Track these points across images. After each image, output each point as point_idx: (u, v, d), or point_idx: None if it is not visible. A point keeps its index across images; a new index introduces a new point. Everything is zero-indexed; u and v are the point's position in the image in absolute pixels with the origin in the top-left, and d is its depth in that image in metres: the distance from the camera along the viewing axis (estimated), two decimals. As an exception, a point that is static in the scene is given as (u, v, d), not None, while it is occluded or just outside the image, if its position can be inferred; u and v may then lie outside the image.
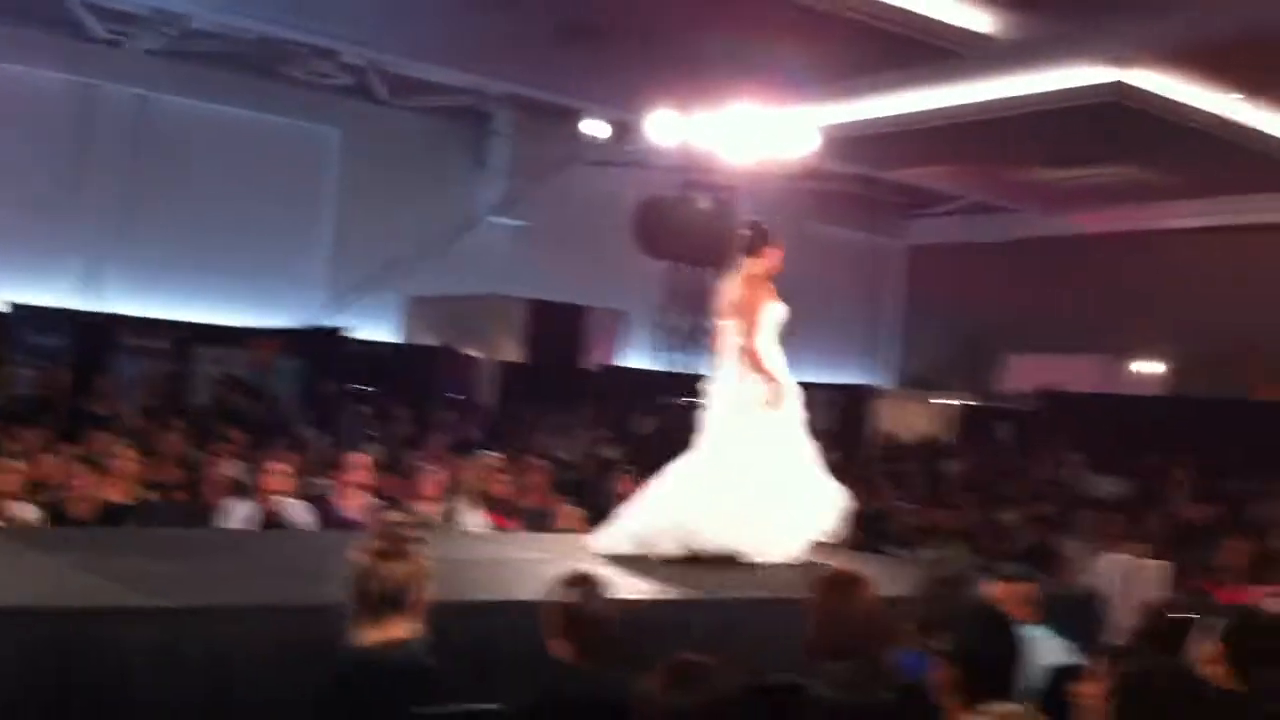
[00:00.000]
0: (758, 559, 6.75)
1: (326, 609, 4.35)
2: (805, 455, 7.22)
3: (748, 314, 7.09)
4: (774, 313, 7.17)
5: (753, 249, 7.16)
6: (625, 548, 6.81)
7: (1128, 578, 6.87)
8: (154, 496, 8.71)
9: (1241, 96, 14.75)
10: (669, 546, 6.73)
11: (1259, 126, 15.55)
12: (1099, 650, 5.28)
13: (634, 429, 16.76)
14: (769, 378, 7.02)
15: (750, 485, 6.93)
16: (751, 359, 7.04)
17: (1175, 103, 14.84)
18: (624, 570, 6.19)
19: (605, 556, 6.63)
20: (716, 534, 6.80)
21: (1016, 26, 13.02)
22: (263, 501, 7.72)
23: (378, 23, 14.52)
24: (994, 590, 5.35)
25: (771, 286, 7.19)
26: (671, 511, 6.91)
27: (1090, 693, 3.59)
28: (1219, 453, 15.59)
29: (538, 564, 6.41)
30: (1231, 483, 14.69)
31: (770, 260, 7.16)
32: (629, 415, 16.99)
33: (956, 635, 4.04)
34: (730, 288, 7.17)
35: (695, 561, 6.66)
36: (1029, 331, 21.85)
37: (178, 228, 17.37)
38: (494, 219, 19.07)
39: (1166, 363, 20.49)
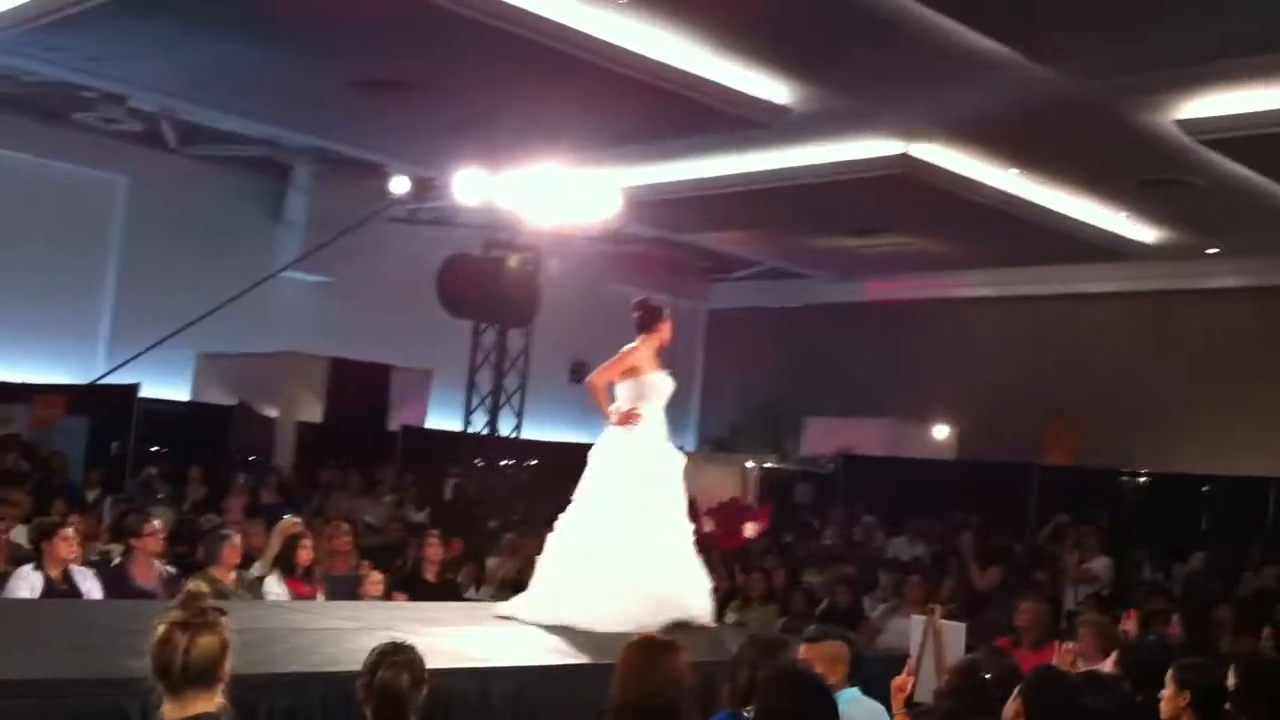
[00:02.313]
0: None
1: (120, 683, 4.17)
2: (683, 529, 7.60)
3: (637, 381, 7.62)
4: (663, 384, 7.70)
5: (646, 325, 7.75)
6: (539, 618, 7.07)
7: (926, 638, 7.00)
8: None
9: (1019, 172, 15.46)
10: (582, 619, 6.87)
11: (1036, 200, 16.29)
12: (910, 712, 5.41)
13: (440, 492, 16.56)
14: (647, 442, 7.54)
15: (632, 555, 7.22)
16: (629, 421, 7.53)
17: (958, 176, 15.45)
18: (445, 638, 6.09)
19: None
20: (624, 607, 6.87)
21: (812, 99, 13.42)
22: (49, 569, 7.35)
23: (169, 69, 14.13)
24: (802, 651, 5.40)
25: (659, 359, 7.78)
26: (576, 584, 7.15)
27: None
28: (1006, 515, 16.15)
29: (346, 633, 6.27)
30: (1018, 545, 15.24)
31: (663, 334, 7.78)
32: (435, 477, 16.76)
33: (767, 699, 4.07)
34: (627, 358, 7.62)
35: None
36: (824, 395, 22.35)
37: (-47, 278, 16.56)
38: (292, 274, 18.66)
39: (954, 427, 21.17)
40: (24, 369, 16.82)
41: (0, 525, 8.16)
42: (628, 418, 7.55)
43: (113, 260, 18.50)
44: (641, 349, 7.67)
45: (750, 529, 10.76)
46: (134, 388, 15.73)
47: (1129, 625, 7.57)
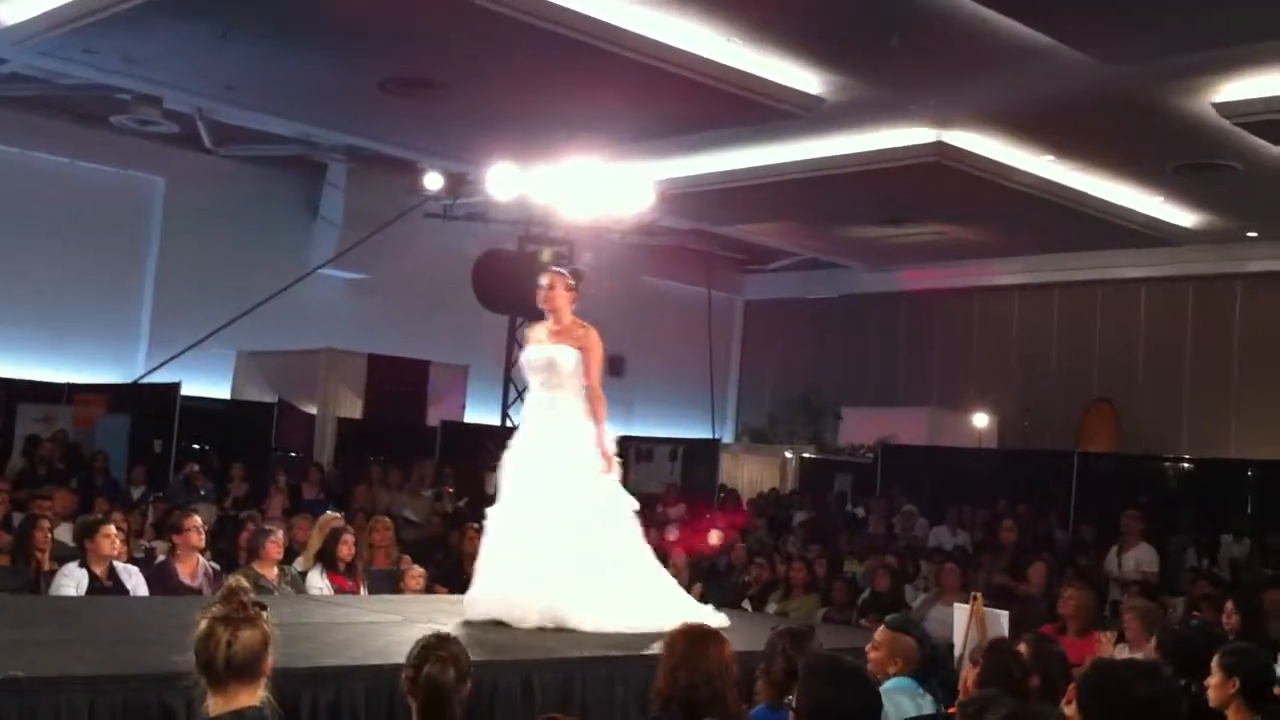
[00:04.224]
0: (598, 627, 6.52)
1: (165, 678, 4.21)
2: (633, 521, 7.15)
3: (592, 355, 7.09)
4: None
5: (574, 291, 7.23)
6: (493, 613, 6.67)
7: (969, 627, 6.96)
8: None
9: (1054, 158, 15.36)
10: (534, 617, 6.56)
11: (1072, 186, 16.18)
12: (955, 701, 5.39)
13: (481, 485, 16.59)
14: (600, 428, 7.03)
15: (590, 550, 6.79)
16: (595, 404, 7.06)
17: (993, 163, 15.38)
18: (476, 632, 6.12)
19: (467, 620, 6.56)
20: (567, 606, 6.58)
21: (844, 88, 13.37)
22: (93, 566, 7.42)
23: (203, 70, 14.22)
24: (878, 634, 5.50)
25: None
26: (526, 580, 6.68)
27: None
28: (1047, 503, 16.06)
29: (388, 626, 6.30)
30: (1060, 532, 15.16)
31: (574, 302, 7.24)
32: (475, 471, 16.82)
33: (807, 690, 4.06)
34: (563, 328, 7.12)
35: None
36: (862, 385, 22.31)
37: (-5, 279, 16.74)
38: (329, 271, 18.76)
39: (994, 415, 21.09)
40: (66, 369, 16.99)
41: (43, 524, 8.22)
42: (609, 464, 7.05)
43: (152, 260, 18.65)
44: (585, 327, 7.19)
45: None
46: (175, 386, 15.86)
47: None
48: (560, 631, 6.40)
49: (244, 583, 3.71)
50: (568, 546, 6.71)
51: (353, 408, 17.77)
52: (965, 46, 11.71)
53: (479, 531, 10.25)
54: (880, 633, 5.51)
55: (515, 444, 7.12)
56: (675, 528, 12.46)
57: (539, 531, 6.76)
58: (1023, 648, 5.67)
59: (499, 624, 6.53)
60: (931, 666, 5.55)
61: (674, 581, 7.41)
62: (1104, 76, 12.04)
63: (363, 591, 8.27)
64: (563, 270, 7.47)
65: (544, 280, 7.24)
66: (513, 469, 7.08)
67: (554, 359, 7.04)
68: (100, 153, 17.55)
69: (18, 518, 9.67)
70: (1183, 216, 17.42)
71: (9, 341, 16.76)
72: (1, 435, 15.60)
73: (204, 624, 3.56)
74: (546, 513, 6.81)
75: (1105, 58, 11.64)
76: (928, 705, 5.25)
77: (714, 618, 6.58)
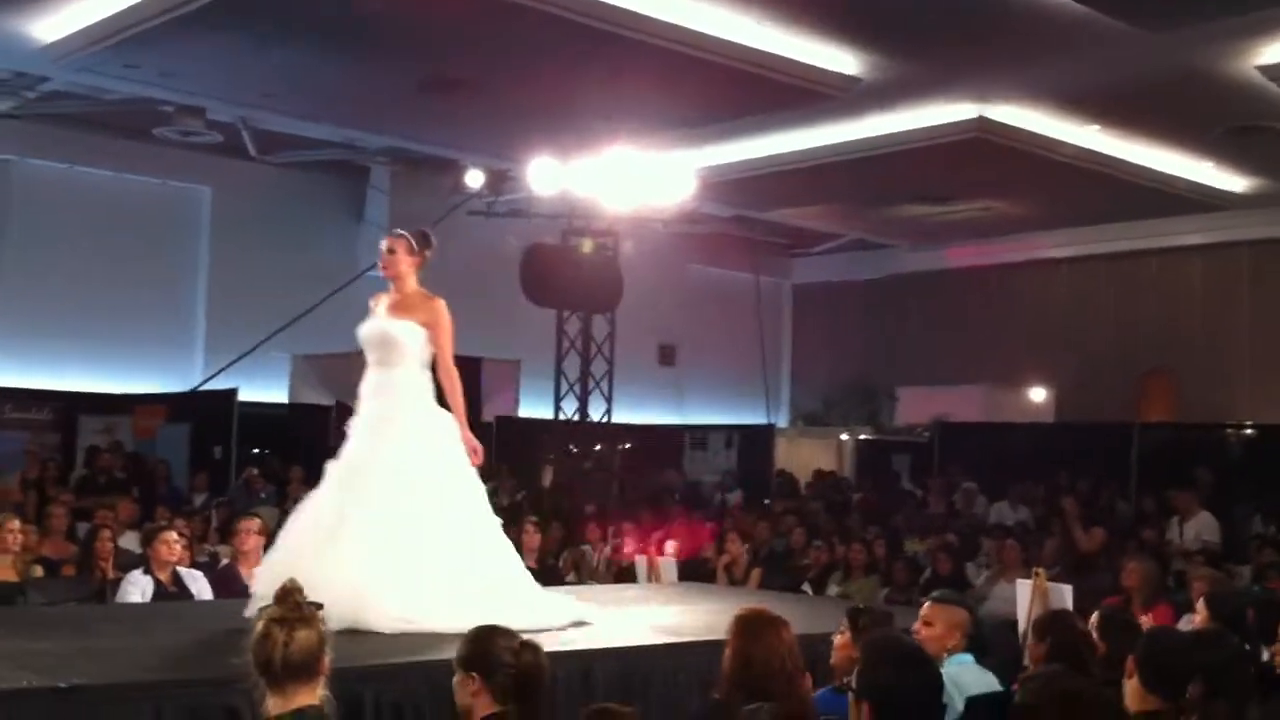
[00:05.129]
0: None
1: (228, 681, 4.25)
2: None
3: (439, 329, 6.48)
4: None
5: (419, 256, 6.66)
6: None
7: (1033, 602, 6.91)
8: (41, 572, 8.46)
9: (1099, 128, 15.19)
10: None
11: (1119, 155, 15.99)
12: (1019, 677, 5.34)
13: (538, 479, 16.68)
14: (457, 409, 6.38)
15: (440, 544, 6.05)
16: (449, 385, 6.43)
17: (1037, 135, 15.21)
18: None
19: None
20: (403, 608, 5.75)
21: (882, 68, 13.27)
22: (157, 572, 7.50)
23: (242, 79, 14.32)
24: (925, 610, 5.39)
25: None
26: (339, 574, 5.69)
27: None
28: (1108, 476, 15.91)
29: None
30: (1122, 504, 15.02)
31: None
32: (531, 465, 16.91)
33: (868, 672, 4.04)
34: (404, 298, 6.56)
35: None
36: (915, 364, 22.16)
37: (51, 295, 16.88)
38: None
39: (1050, 389, 20.90)
40: (124, 381, 17.18)
41: (104, 533, 8.33)
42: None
43: (203, 269, 18.82)
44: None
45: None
46: (232, 392, 16.01)
47: None
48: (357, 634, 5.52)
49: (299, 583, 3.73)
50: (374, 542, 5.93)
51: (407, 407, 17.81)
52: (1005, 21, 11.58)
53: (537, 525, 10.36)
54: (930, 609, 5.41)
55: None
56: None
57: (341, 527, 6.03)
58: (1093, 620, 5.63)
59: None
60: (982, 641, 5.48)
61: (525, 577, 6.58)
62: (1147, 43, 11.87)
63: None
64: (405, 233, 6.77)
65: (384, 244, 6.66)
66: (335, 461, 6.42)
67: (388, 333, 6.45)
68: (146, 165, 17.70)
69: (83, 529, 9.82)
70: (1234, 181, 17.17)
71: (68, 355, 16.94)
72: (64, 448, 15.81)
73: (260, 625, 3.60)
74: (356, 506, 6.09)
75: (1147, 26, 11.48)
76: (993, 682, 5.20)
77: (565, 610, 6.24)
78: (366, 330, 6.53)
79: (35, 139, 16.71)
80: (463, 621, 4.56)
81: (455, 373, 6.50)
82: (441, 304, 6.54)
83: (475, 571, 6.10)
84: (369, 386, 6.49)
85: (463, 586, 5.95)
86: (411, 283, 6.62)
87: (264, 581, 5.75)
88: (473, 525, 6.35)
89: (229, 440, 15.88)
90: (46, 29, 12.98)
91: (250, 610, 5.55)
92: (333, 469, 6.41)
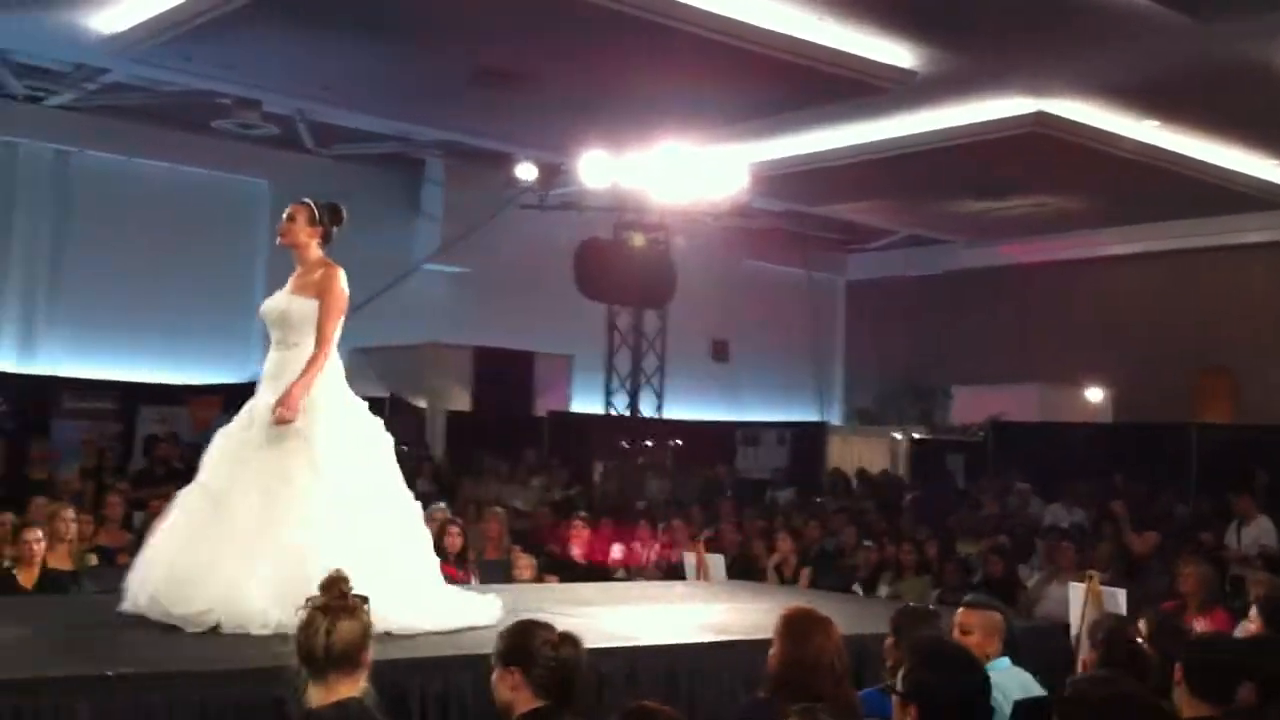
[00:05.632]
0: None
1: (274, 671, 4.25)
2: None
3: (329, 297, 6.15)
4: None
5: (321, 226, 6.37)
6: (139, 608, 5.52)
7: (1086, 605, 6.83)
8: (96, 561, 8.55)
9: (1159, 124, 14.99)
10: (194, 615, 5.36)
11: (1179, 151, 15.78)
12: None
13: (590, 475, 16.69)
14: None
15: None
16: (317, 352, 6.01)
17: (1096, 130, 15.06)
18: (594, 618, 6.09)
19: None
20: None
21: (937, 61, 13.17)
22: (209, 563, 7.53)
23: (298, 72, 14.41)
24: (960, 615, 5.31)
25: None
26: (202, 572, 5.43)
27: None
28: (1165, 477, 15.68)
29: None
30: (1180, 506, 14.79)
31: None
32: (582, 461, 16.92)
33: (914, 673, 4.00)
34: (305, 270, 6.29)
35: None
36: (970, 363, 21.96)
37: (110, 286, 17.12)
38: (431, 266, 18.93)
39: (1107, 389, 20.65)
40: (181, 372, 17.33)
41: (159, 522, 8.37)
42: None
43: (261, 261, 18.90)
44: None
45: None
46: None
47: None
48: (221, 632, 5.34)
49: (345, 572, 3.72)
50: (249, 534, 5.55)
51: (460, 400, 17.92)
52: (1062, 15, 11.46)
53: (585, 521, 10.37)
54: (965, 614, 5.27)
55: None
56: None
57: (214, 517, 5.72)
58: (1143, 625, 5.54)
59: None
60: (1014, 640, 5.39)
61: (431, 574, 6.33)
62: (1204, 37, 11.72)
63: (474, 582, 8.32)
64: (309, 200, 6.49)
65: (285, 212, 6.36)
66: (216, 444, 6.07)
67: (285, 311, 6.14)
68: (204, 157, 17.87)
69: (139, 518, 9.91)
70: (1298, 179, 16.95)
71: (127, 346, 17.15)
72: (123, 437, 15.97)
73: (304, 614, 3.59)
74: (230, 495, 5.75)
75: (1208, 18, 11.32)
76: (1030, 682, 5.13)
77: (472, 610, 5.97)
78: (266, 307, 6.22)
79: (95, 131, 16.91)
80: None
81: (327, 345, 6.10)
82: (337, 272, 6.23)
83: (386, 569, 5.48)
84: (270, 367, 6.15)
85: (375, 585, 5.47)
86: (314, 252, 6.32)
87: (143, 571, 5.64)
88: (380, 518, 6.01)
89: (284, 432, 15.94)
90: (106, 21, 13.13)
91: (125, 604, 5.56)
92: (212, 457, 6.09)
